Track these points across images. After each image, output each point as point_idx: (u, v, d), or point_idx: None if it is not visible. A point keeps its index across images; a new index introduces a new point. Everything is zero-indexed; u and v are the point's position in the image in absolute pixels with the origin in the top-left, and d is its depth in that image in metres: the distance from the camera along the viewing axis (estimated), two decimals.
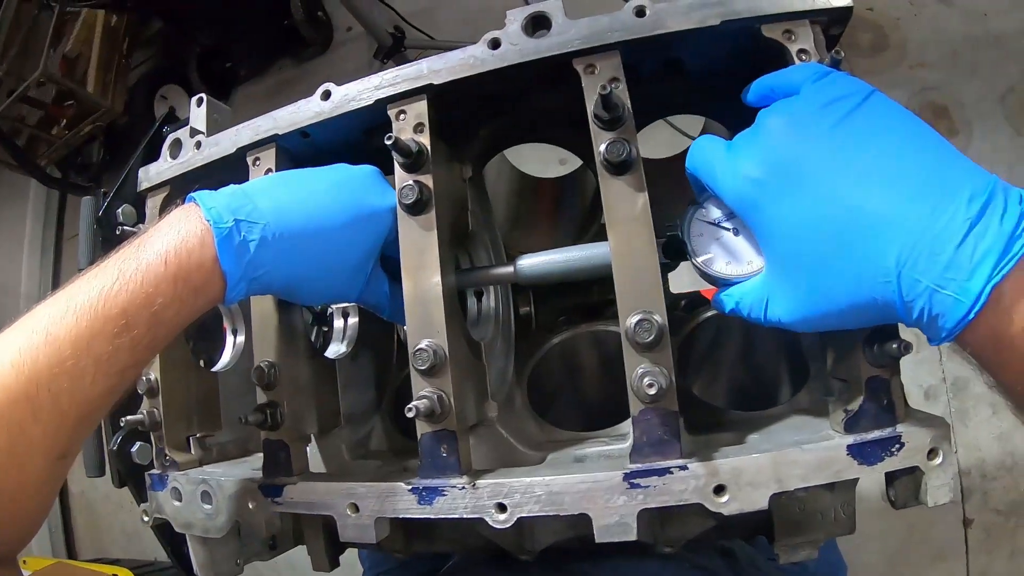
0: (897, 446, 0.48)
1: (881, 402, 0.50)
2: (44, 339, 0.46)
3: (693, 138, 0.56)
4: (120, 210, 0.86)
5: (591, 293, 0.82)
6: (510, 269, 0.57)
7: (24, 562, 2.74)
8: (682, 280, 0.86)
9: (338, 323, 0.73)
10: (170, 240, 0.49)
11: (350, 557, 0.99)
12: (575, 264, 0.56)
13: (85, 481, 3.26)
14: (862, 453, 0.48)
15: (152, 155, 0.81)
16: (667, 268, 0.56)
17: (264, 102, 2.70)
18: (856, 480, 0.63)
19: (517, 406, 0.69)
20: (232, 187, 0.55)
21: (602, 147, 0.52)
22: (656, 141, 0.85)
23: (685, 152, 0.52)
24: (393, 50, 2.52)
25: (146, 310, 0.47)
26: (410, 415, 0.50)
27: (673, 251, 0.54)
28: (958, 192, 0.38)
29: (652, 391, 0.47)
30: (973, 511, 1.64)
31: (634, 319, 0.49)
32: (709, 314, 0.76)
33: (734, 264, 0.51)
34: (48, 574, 2.61)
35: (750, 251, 0.50)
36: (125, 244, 0.51)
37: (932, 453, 0.48)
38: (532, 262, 0.57)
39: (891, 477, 0.53)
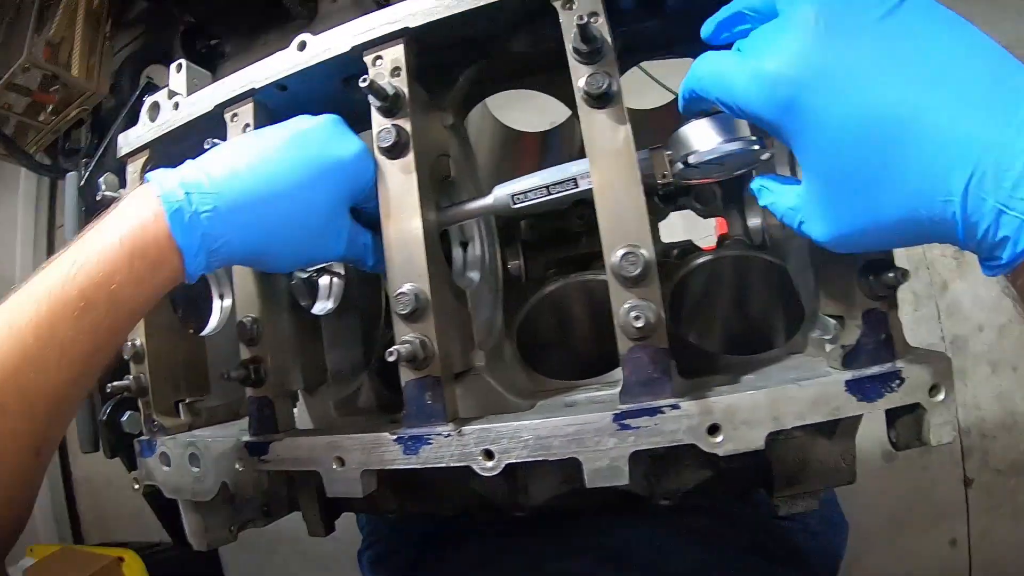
0: (897, 382, 0.46)
1: (879, 336, 0.49)
2: (8, 331, 0.45)
3: (673, 92, 0.53)
4: (102, 179, 0.83)
5: (580, 244, 0.80)
6: (488, 200, 0.56)
7: (31, 550, 2.75)
8: (674, 230, 0.85)
9: (323, 280, 0.72)
10: (125, 219, 0.49)
11: (351, 529, 0.98)
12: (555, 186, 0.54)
13: (88, 466, 3.28)
14: (861, 389, 0.46)
15: (133, 124, 0.79)
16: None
17: None
18: (856, 425, 0.62)
19: (507, 357, 0.68)
20: (188, 161, 0.54)
21: (581, 81, 0.50)
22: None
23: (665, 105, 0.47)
24: None
25: (103, 290, 0.47)
26: (391, 359, 0.49)
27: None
28: None
29: (639, 324, 0.45)
30: (973, 471, 1.63)
31: (619, 252, 0.47)
32: (701, 260, 0.74)
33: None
34: (54, 560, 2.61)
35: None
36: (86, 228, 0.51)
37: (934, 389, 0.47)
38: (509, 189, 0.55)
39: (892, 417, 0.52)
